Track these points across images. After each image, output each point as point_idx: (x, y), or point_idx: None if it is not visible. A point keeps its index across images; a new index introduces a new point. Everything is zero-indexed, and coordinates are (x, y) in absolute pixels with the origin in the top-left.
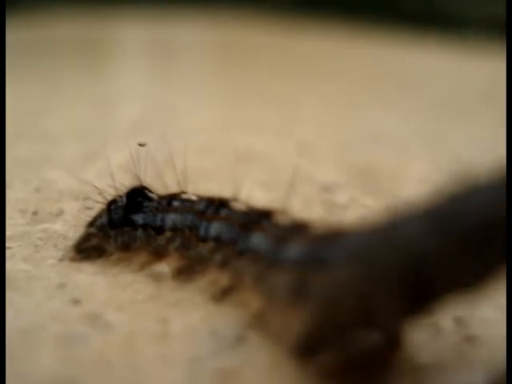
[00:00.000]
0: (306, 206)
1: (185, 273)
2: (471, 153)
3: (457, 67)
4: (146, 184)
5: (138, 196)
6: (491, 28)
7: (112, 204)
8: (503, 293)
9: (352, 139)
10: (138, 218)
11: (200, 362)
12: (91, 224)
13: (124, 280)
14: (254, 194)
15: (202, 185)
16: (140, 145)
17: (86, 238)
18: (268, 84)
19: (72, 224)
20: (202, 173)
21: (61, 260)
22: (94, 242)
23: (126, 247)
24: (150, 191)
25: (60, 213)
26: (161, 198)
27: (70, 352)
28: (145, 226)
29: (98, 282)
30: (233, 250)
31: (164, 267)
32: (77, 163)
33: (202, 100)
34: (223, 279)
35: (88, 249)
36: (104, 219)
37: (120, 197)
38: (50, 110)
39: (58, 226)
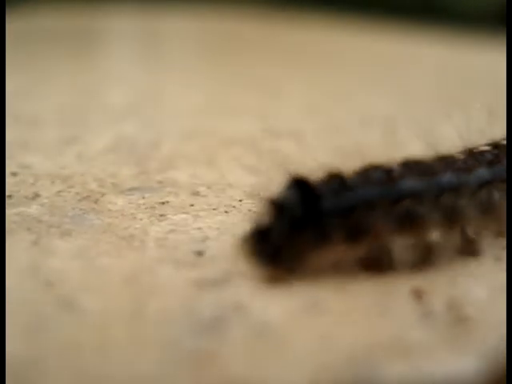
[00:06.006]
0: None
1: None
2: (460, 138)
3: (451, 57)
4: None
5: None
6: (488, 18)
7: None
8: (495, 271)
9: (340, 123)
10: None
11: (176, 345)
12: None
13: (100, 263)
14: (240, 178)
15: (191, 169)
16: None
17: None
18: (255, 71)
19: (47, 208)
20: (187, 157)
21: None
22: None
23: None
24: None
25: (35, 197)
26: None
27: (38, 336)
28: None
29: (73, 266)
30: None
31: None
32: (56, 148)
33: (189, 87)
34: None
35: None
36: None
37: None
38: (35, 96)
39: (32, 210)
